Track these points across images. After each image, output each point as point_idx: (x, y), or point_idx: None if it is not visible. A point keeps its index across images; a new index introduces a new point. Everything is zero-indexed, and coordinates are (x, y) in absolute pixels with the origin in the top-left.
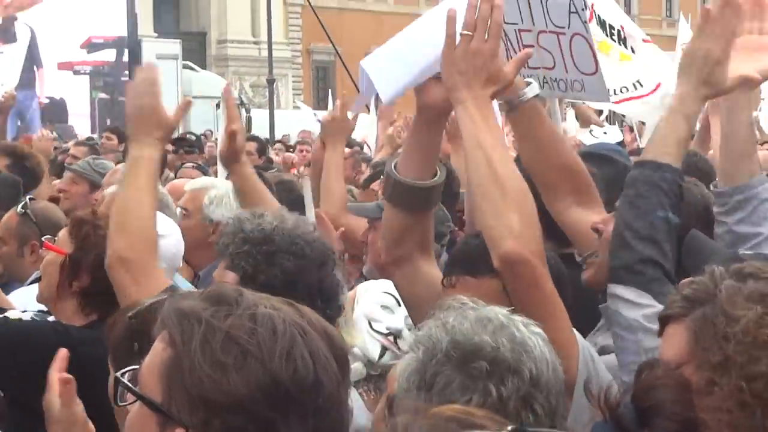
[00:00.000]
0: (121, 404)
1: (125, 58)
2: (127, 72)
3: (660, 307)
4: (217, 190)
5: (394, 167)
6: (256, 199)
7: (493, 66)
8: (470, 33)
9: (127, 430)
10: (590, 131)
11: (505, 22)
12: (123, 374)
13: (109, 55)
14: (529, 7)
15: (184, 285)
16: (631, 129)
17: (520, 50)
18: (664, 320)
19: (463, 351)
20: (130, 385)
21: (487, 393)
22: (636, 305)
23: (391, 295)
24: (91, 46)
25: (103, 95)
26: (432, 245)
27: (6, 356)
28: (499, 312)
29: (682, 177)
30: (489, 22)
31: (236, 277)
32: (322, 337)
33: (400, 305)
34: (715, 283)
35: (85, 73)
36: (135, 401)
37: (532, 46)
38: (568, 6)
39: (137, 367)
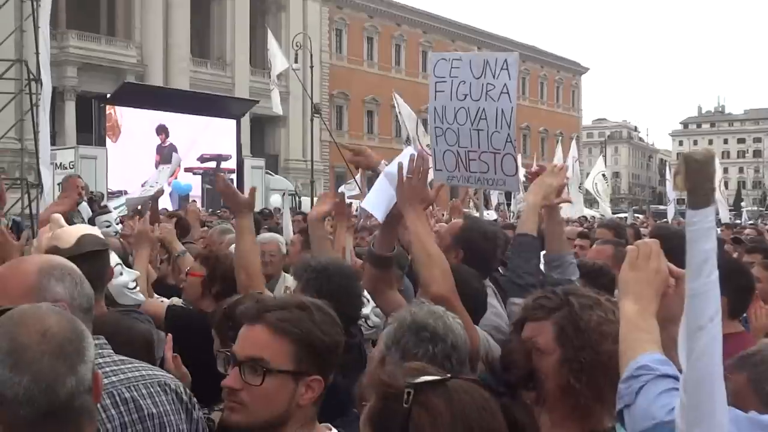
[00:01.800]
0: (252, 383)
1: (222, 165)
2: (221, 173)
3: None
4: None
5: (372, 245)
6: (321, 247)
7: (423, 193)
8: (411, 176)
9: (265, 398)
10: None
11: (459, 146)
12: (254, 366)
13: (211, 164)
14: (479, 138)
15: None
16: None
17: (467, 162)
18: (525, 319)
19: (418, 325)
20: (280, 368)
21: (426, 349)
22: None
23: (365, 297)
24: (201, 159)
25: (209, 187)
26: (394, 283)
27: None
28: (441, 310)
29: (538, 240)
30: (420, 170)
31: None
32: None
33: (370, 302)
34: (560, 297)
35: (198, 174)
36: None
37: (474, 160)
38: (506, 137)
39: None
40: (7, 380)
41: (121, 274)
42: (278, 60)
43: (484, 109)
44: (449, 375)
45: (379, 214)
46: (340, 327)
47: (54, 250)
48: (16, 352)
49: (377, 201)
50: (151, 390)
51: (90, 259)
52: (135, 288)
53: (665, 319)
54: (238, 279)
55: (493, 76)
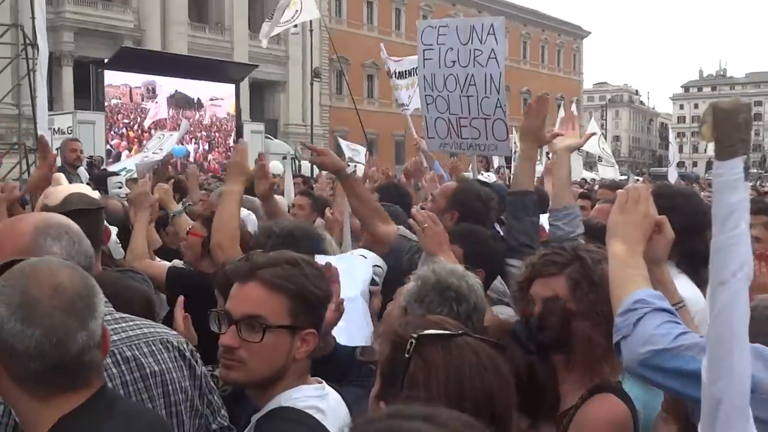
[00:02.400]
0: (251, 340)
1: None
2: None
3: None
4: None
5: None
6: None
7: (443, 236)
8: (426, 226)
9: (264, 354)
10: (481, 174)
11: (450, 113)
12: (251, 323)
13: None
14: (468, 104)
15: None
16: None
17: (458, 129)
18: (534, 276)
19: (442, 285)
20: (278, 324)
21: (451, 308)
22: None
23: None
24: None
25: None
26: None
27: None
28: (461, 268)
29: (534, 195)
30: (433, 219)
31: None
32: None
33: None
34: (570, 253)
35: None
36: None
37: (466, 126)
38: (496, 102)
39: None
40: (18, 333)
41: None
42: (307, 7)
43: (472, 75)
44: (461, 331)
45: (363, 340)
46: (329, 280)
47: (44, 207)
48: (27, 305)
49: (357, 331)
50: (153, 348)
51: (77, 217)
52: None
53: (650, 261)
54: (216, 241)
55: (480, 42)
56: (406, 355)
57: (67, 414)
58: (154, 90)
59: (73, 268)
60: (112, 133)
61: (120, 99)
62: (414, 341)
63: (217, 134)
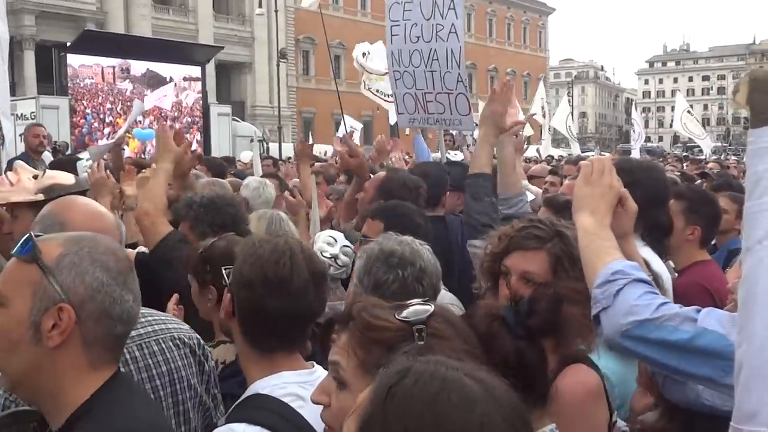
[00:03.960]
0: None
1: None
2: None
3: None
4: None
5: None
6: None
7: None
8: None
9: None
10: (449, 152)
11: (416, 89)
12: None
13: None
14: (433, 79)
15: None
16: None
17: (425, 105)
18: (514, 247)
19: (386, 253)
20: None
21: (396, 274)
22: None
23: (333, 237)
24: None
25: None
26: None
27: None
28: (409, 238)
29: (492, 177)
30: None
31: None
32: (303, 256)
33: (337, 242)
34: (551, 228)
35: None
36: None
37: (431, 101)
38: (457, 77)
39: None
40: (117, 297)
41: None
42: None
43: (435, 50)
44: (426, 299)
45: None
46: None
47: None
48: (122, 272)
49: None
50: (163, 346)
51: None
52: None
53: (616, 235)
54: (144, 209)
55: (442, 17)
56: (420, 343)
57: (100, 388)
58: (128, 70)
59: None
60: (99, 120)
61: (92, 78)
62: (424, 326)
63: (202, 119)
